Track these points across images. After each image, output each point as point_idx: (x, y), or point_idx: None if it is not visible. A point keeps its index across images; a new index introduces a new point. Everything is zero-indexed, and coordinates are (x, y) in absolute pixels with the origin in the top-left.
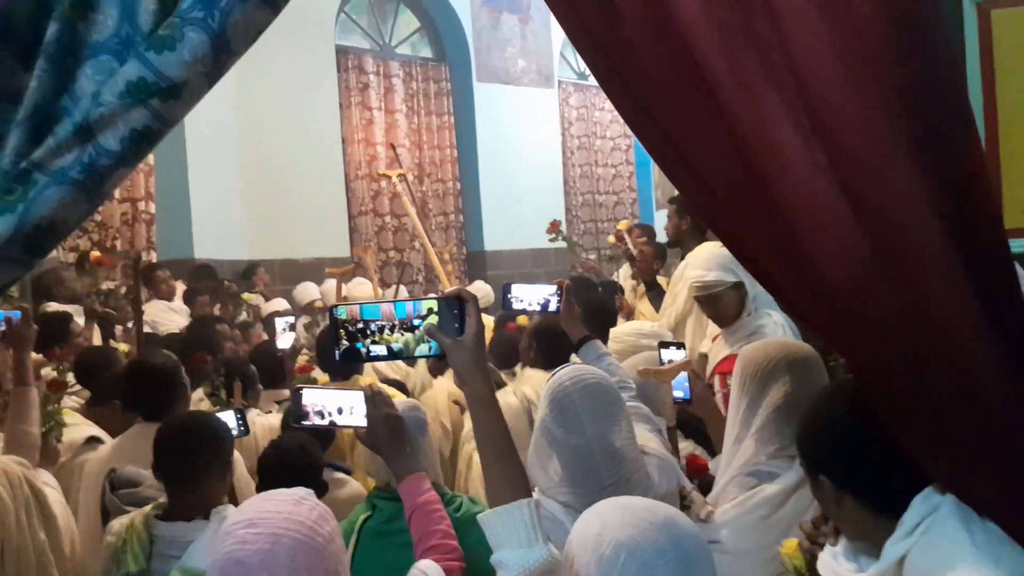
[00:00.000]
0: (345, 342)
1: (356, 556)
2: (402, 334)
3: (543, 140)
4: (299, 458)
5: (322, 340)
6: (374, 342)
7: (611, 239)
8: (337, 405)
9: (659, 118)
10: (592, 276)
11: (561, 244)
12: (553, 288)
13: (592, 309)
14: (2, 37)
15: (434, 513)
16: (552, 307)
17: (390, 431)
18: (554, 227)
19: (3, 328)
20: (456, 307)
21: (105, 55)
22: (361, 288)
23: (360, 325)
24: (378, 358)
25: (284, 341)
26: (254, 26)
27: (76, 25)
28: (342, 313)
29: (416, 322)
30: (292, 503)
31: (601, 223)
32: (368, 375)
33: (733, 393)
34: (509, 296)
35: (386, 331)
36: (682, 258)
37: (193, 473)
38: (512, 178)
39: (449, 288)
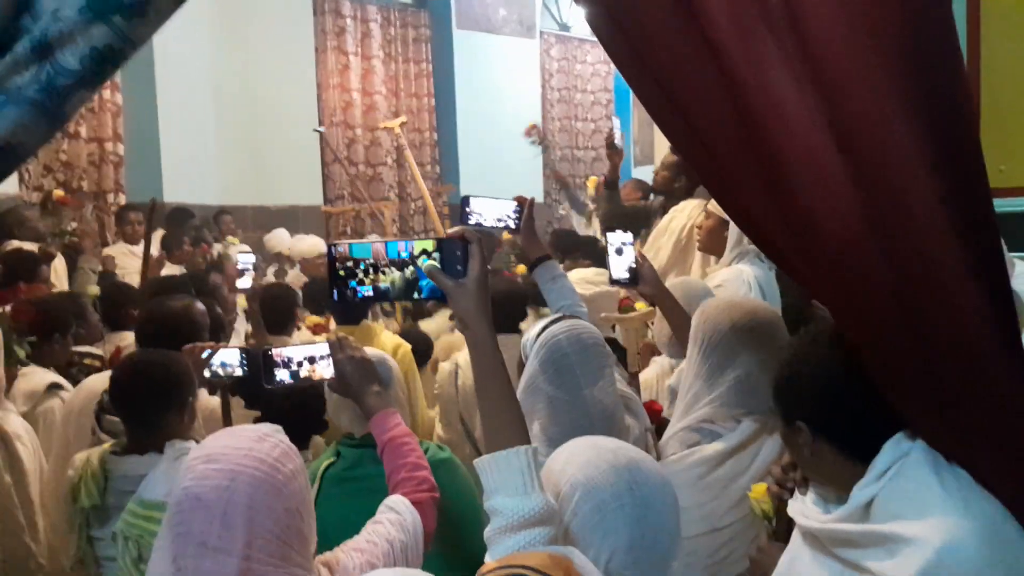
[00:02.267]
0: (340, 282)
1: (318, 502)
2: (392, 273)
3: (523, 91)
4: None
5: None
6: (361, 283)
7: (591, 182)
8: (305, 356)
9: (653, 64)
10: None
11: (538, 199)
12: (513, 204)
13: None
14: None
15: (403, 447)
16: (511, 225)
17: (357, 372)
18: (531, 130)
19: None
20: (460, 248)
21: None
22: (315, 242)
23: (350, 264)
24: (366, 300)
25: (243, 282)
26: None
27: None
28: (338, 251)
29: (408, 261)
30: (255, 439)
31: (579, 179)
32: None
33: (691, 351)
34: (468, 210)
35: (380, 271)
36: (664, 211)
37: (148, 412)
38: (491, 129)
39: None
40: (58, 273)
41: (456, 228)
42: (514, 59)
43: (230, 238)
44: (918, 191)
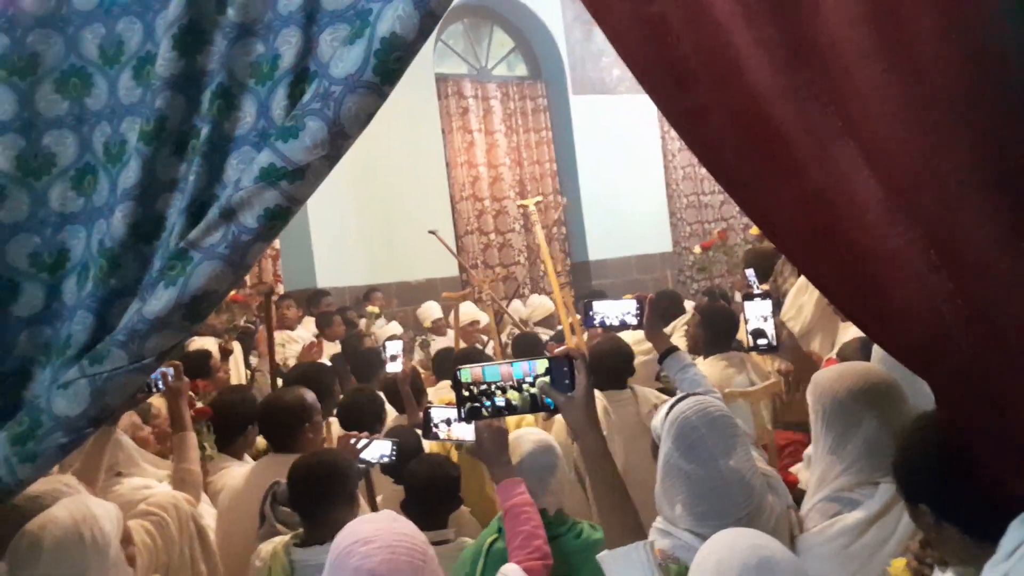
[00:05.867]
0: (468, 403)
1: None
2: (517, 392)
3: (642, 145)
4: (445, 469)
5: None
6: (493, 402)
7: (697, 250)
8: (450, 417)
9: (737, 179)
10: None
11: (667, 249)
12: (634, 303)
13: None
14: (162, 138)
15: (521, 515)
16: (632, 322)
17: (492, 439)
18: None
19: (160, 382)
20: (566, 365)
21: (246, 146)
22: (469, 308)
23: (483, 386)
24: (495, 414)
25: (393, 367)
26: (365, 111)
27: (223, 124)
28: (466, 376)
29: (532, 382)
30: (391, 520)
31: (707, 223)
32: None
33: (814, 422)
34: (591, 313)
35: (507, 390)
36: None
37: (321, 507)
38: (613, 186)
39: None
40: (238, 363)
41: (562, 348)
42: (631, 115)
43: (370, 308)
44: (1009, 270)
